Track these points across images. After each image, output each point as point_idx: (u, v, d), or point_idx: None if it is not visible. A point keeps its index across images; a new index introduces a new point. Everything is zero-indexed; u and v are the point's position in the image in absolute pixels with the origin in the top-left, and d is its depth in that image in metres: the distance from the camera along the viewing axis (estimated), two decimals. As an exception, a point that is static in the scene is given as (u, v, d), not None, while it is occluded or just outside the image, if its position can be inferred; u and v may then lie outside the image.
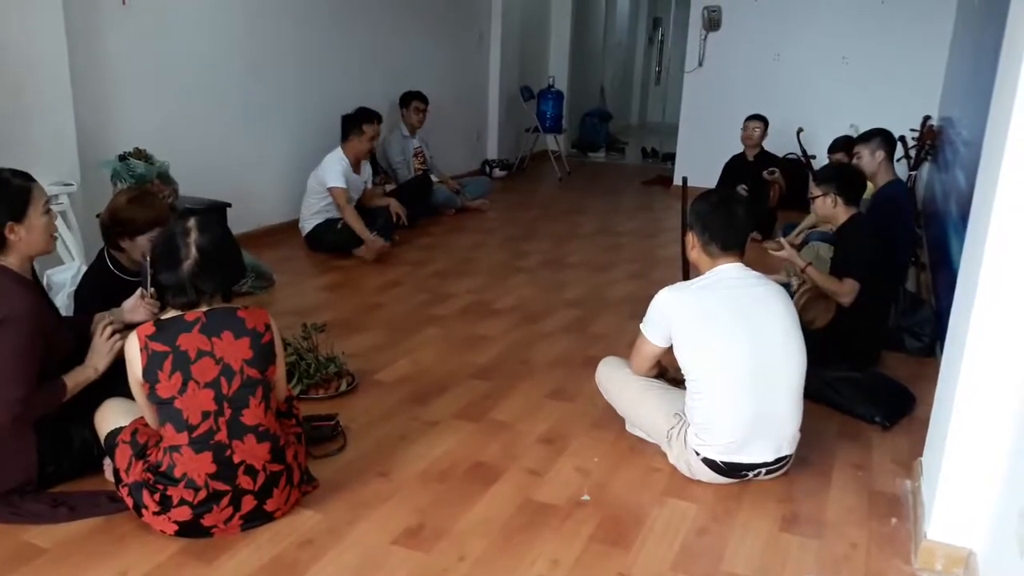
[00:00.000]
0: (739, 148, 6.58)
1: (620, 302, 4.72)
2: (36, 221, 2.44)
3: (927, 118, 6.69)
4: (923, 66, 7.19)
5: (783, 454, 2.73)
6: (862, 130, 4.82)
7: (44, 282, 3.42)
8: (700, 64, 8.09)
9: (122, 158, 4.15)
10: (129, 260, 2.88)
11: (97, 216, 3.12)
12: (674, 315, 2.72)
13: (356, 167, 5.59)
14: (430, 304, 4.56)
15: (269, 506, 2.38)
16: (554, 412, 3.26)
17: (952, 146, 5.45)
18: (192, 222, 2.32)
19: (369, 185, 5.82)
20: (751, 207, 3.12)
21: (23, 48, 3.78)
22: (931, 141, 6.34)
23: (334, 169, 5.39)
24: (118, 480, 2.38)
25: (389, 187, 6.33)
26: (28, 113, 3.83)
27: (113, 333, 2.55)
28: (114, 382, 2.49)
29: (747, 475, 2.72)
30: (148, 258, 2.69)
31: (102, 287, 2.79)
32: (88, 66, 4.28)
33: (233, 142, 5.40)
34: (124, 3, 4.46)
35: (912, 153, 6.44)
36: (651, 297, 2.79)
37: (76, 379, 2.50)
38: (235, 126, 5.41)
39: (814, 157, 7.14)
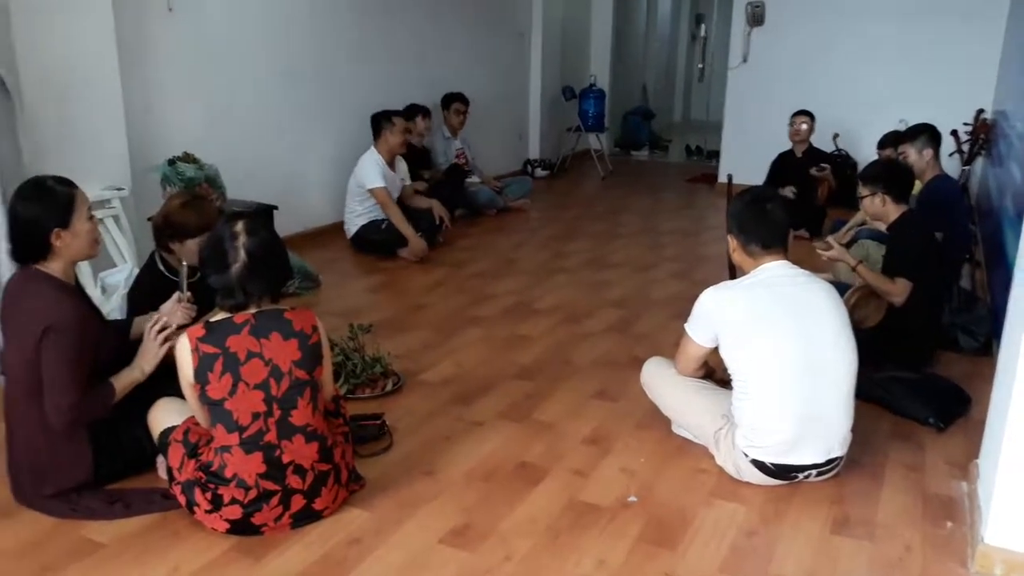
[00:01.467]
0: (785, 145, 6.48)
1: (664, 302, 4.68)
2: (81, 227, 2.48)
3: (980, 111, 6.53)
4: (976, 58, 7.01)
5: (834, 455, 2.68)
6: (911, 124, 4.72)
7: (98, 284, 3.50)
8: (744, 60, 7.99)
9: (171, 162, 4.23)
10: (178, 262, 2.94)
11: (149, 219, 3.18)
12: (719, 315, 2.69)
13: (391, 164, 5.59)
14: (473, 305, 4.58)
15: (318, 505, 2.41)
16: (599, 412, 3.24)
17: (1007, 140, 5.32)
18: (240, 225, 2.35)
19: (407, 181, 5.82)
20: (788, 202, 3.07)
21: (75, 55, 3.87)
22: (985, 135, 6.18)
23: (372, 170, 5.42)
24: (171, 478, 2.43)
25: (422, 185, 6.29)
26: (81, 119, 3.92)
27: (160, 333, 2.58)
28: (166, 382, 2.54)
29: (797, 477, 2.68)
30: (184, 263, 2.74)
31: (153, 289, 2.84)
32: (137, 71, 4.37)
33: (278, 145, 5.47)
34: (170, 9, 4.54)
35: (965, 148, 6.29)
36: (696, 297, 2.77)
37: (123, 381, 2.54)
38: (280, 129, 5.48)
39: (854, 165, 7.02)
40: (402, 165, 5.80)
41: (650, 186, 8.75)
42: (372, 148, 5.54)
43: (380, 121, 5.54)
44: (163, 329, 2.59)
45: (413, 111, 6.17)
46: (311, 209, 5.78)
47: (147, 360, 2.58)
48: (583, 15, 10.08)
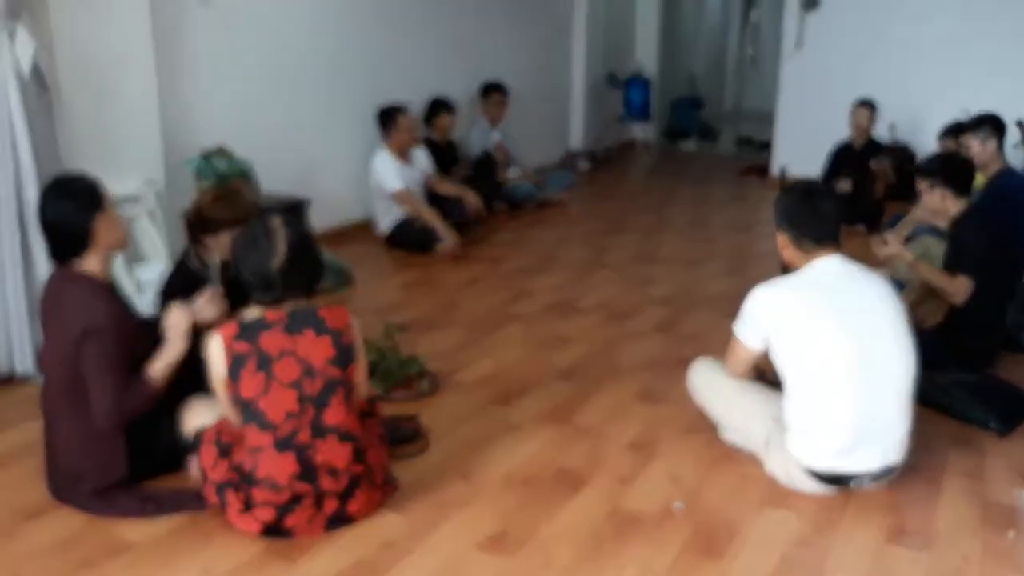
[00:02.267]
0: (841, 134, 6.34)
1: (713, 299, 4.57)
2: (113, 212, 2.54)
3: (1049, 99, 6.28)
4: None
5: (890, 462, 2.60)
6: (974, 113, 4.55)
7: (134, 280, 3.52)
8: (798, 46, 7.80)
9: (205, 156, 4.24)
10: (212, 257, 2.93)
11: (183, 214, 3.18)
12: (771, 315, 2.61)
13: (404, 157, 5.49)
14: (511, 302, 4.52)
15: (351, 507, 2.39)
16: (643, 416, 3.19)
17: (1075, 129, 5.09)
18: (278, 219, 2.35)
19: (429, 171, 5.71)
20: (839, 196, 2.97)
21: (111, 49, 3.89)
22: (1052, 125, 5.94)
23: (387, 173, 5.34)
24: (204, 478, 2.42)
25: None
26: (116, 114, 3.95)
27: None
28: (199, 381, 2.52)
29: (850, 484, 2.61)
30: (217, 257, 2.74)
31: (187, 284, 2.84)
32: (171, 65, 4.38)
33: (311, 138, 5.44)
34: (206, 2, 4.54)
35: (1032, 139, 6.05)
36: (747, 294, 2.69)
37: (159, 365, 2.48)
38: (313, 122, 5.45)
39: (912, 157, 6.81)
40: (420, 154, 5.68)
41: (698, 178, 8.59)
42: (383, 148, 5.43)
43: (387, 121, 5.44)
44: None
45: (436, 108, 6.03)
46: (344, 205, 5.73)
47: (175, 336, 2.51)
48: (629, 0, 9.93)
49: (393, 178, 5.32)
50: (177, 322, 2.54)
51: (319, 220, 5.14)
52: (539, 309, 4.42)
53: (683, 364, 3.14)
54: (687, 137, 10.80)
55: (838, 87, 7.01)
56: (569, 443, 2.96)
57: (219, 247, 2.82)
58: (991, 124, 4.27)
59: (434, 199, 5.54)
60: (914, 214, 4.96)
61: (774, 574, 2.26)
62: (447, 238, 5.27)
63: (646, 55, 9.87)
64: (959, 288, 3.39)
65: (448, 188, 5.72)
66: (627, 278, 4.99)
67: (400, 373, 3.28)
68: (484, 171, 6.38)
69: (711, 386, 2.92)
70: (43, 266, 3.13)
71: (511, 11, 7.48)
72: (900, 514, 2.55)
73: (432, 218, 5.33)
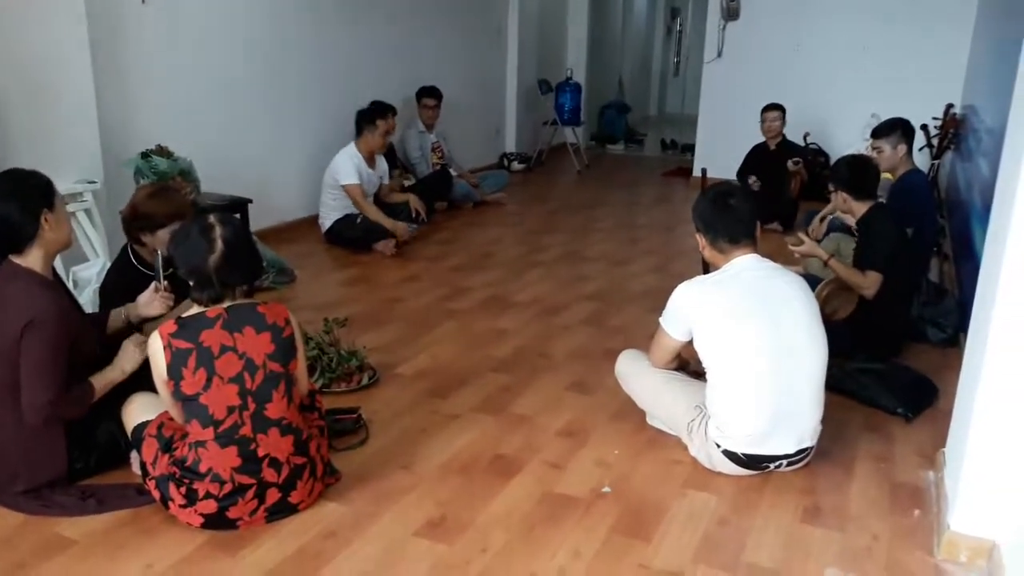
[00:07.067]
0: (759, 137, 6.53)
1: (640, 295, 4.71)
2: (62, 211, 2.51)
3: (950, 106, 6.62)
4: (946, 53, 7.10)
5: (804, 446, 2.72)
6: (883, 119, 4.76)
7: (70, 279, 3.47)
8: (719, 54, 8.03)
9: (144, 155, 4.19)
10: (151, 255, 2.92)
11: (120, 212, 3.16)
12: (693, 309, 2.71)
13: (370, 162, 5.59)
14: (449, 298, 4.58)
15: (293, 498, 2.41)
16: (574, 405, 3.26)
17: (975, 134, 5.39)
18: (212, 217, 2.36)
19: (386, 180, 5.82)
20: (752, 195, 3.09)
21: (46, 48, 3.83)
22: (954, 130, 6.26)
23: (346, 166, 5.40)
24: (145, 473, 2.42)
25: (408, 182, 6.36)
26: (53, 112, 3.88)
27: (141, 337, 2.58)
28: (140, 377, 2.53)
29: (768, 467, 2.72)
30: (160, 252, 2.72)
31: (126, 282, 2.83)
32: (110, 65, 4.33)
33: (252, 138, 5.43)
34: (143, 1, 4.49)
35: (935, 142, 6.37)
36: (671, 290, 2.79)
37: (102, 381, 2.53)
38: (254, 122, 5.44)
39: (825, 158, 7.08)
40: (382, 164, 5.78)
41: (626, 180, 8.78)
42: (352, 144, 5.53)
43: (364, 121, 5.52)
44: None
45: (384, 110, 6.11)
46: (285, 203, 5.75)
47: (126, 361, 2.58)
48: (559, 8, 10.09)
49: (350, 172, 5.36)
50: (130, 356, 2.57)
51: (262, 219, 5.15)
52: (476, 305, 4.49)
53: (612, 356, 3.22)
54: (615, 141, 10.99)
55: (755, 93, 7.16)
56: (504, 432, 3.02)
57: (158, 243, 2.80)
58: (902, 129, 4.40)
59: (381, 206, 5.60)
60: (829, 208, 5.19)
61: (697, 553, 2.33)
62: (396, 228, 5.34)
63: (576, 61, 10.05)
64: (870, 283, 3.55)
65: (397, 199, 5.79)
66: (559, 275, 5.09)
67: (341, 367, 3.30)
68: (438, 185, 6.47)
69: (637, 375, 3.01)
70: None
71: (448, 20, 7.55)
72: (814, 495, 2.65)
73: (377, 215, 5.37)
